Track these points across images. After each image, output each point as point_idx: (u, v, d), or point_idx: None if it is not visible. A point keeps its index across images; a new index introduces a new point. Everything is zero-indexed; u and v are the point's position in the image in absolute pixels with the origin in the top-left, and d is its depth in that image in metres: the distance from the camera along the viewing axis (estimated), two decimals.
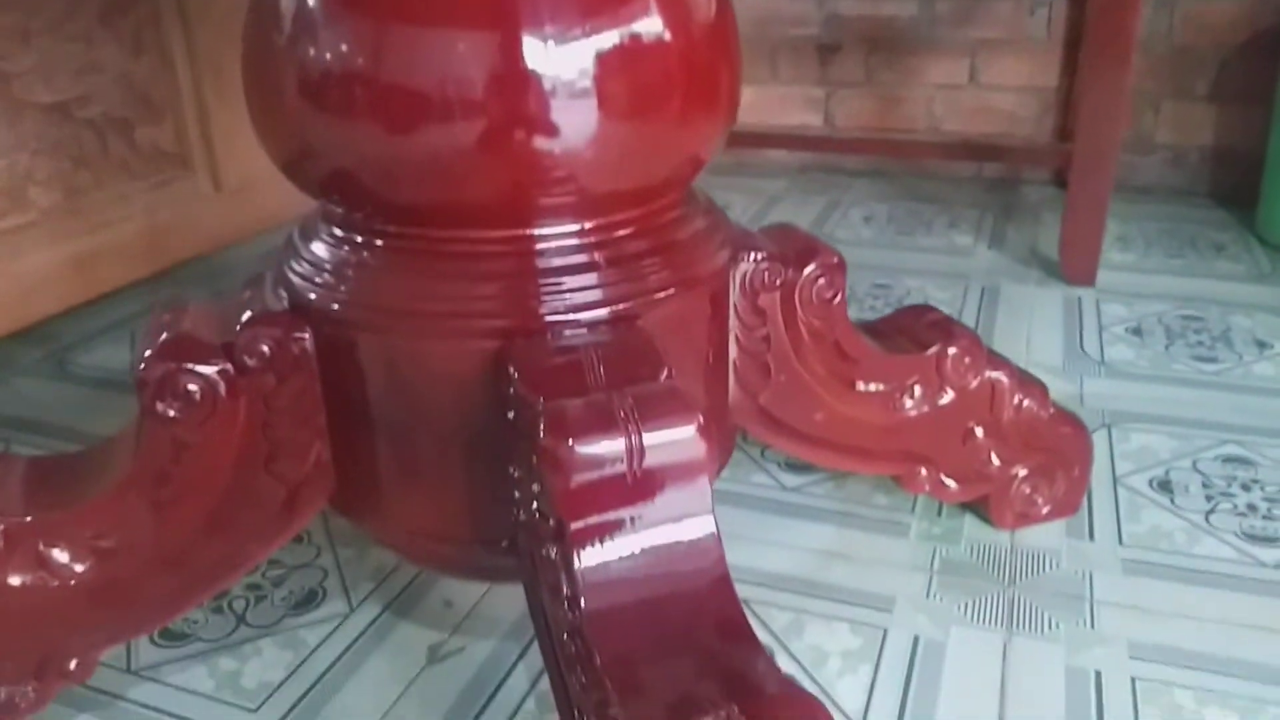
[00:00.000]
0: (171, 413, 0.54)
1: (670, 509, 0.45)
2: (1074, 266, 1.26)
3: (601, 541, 0.44)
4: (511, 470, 0.50)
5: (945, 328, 0.73)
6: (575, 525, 0.43)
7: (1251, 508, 0.81)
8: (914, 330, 0.74)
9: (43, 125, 0.99)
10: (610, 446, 0.44)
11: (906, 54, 1.72)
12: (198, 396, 0.54)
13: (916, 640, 0.67)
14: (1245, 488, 0.83)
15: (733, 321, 0.64)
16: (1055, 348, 1.10)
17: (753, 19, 1.78)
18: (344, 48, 0.50)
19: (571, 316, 0.52)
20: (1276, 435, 0.91)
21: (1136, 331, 1.13)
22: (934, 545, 0.77)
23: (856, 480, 0.85)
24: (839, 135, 1.79)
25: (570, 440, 0.44)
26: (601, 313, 0.52)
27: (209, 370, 0.55)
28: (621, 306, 0.53)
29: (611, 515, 0.44)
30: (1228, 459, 0.87)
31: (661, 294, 0.54)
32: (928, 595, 0.72)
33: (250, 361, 0.55)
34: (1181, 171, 1.63)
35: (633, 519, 0.44)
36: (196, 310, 0.59)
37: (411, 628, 0.71)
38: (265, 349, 0.55)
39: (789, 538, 0.79)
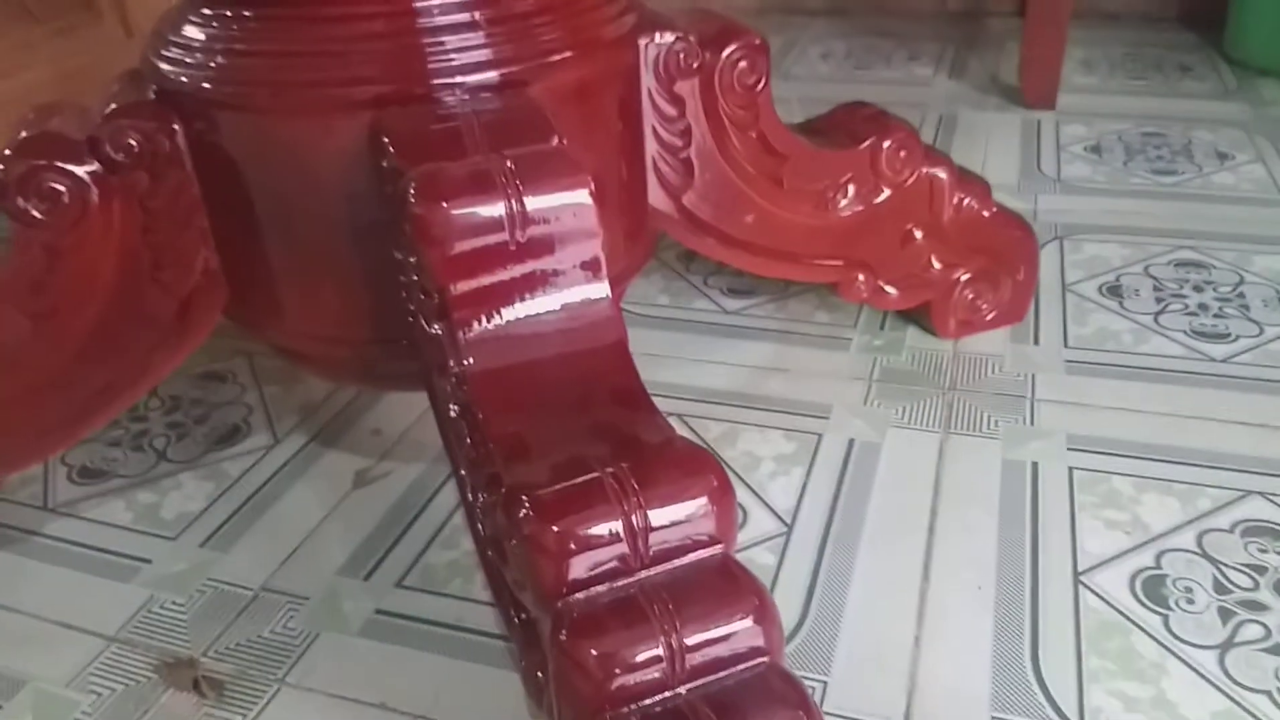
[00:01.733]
0: (37, 214, 0.51)
1: (559, 272, 0.42)
2: (1033, 89, 1.22)
3: (484, 308, 0.41)
4: (396, 254, 0.47)
5: (880, 121, 0.69)
6: (454, 290, 0.40)
7: (1203, 307, 0.78)
8: (849, 125, 0.70)
9: None
10: (489, 210, 0.41)
11: None
12: (66, 198, 0.51)
13: (851, 443, 0.66)
14: (1198, 289, 0.81)
15: (648, 110, 0.60)
16: (1011, 168, 1.06)
17: None
18: None
19: (453, 80, 0.48)
20: (1233, 240, 0.88)
21: (1095, 150, 1.09)
22: (875, 356, 0.75)
23: (799, 300, 0.82)
24: None
25: (444, 203, 0.41)
26: (487, 76, 0.48)
27: (75, 168, 0.51)
28: (509, 70, 0.49)
29: (493, 279, 0.41)
30: (1181, 263, 0.85)
31: (555, 57, 0.50)
32: (865, 402, 0.70)
33: (117, 156, 0.51)
34: None
35: (517, 284, 0.41)
36: (63, 111, 0.55)
37: (338, 456, 0.69)
38: (132, 143, 0.51)
39: (728, 356, 0.76)
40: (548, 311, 0.41)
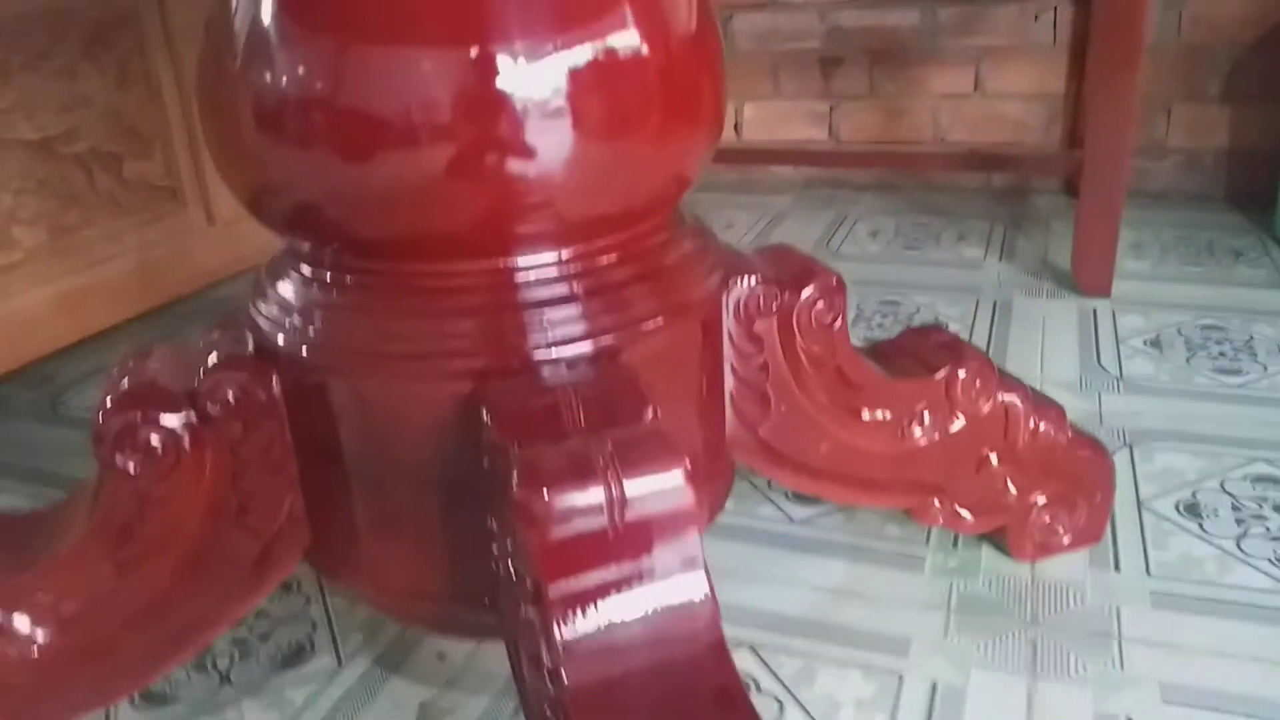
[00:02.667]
0: (132, 466, 0.51)
1: (657, 566, 0.41)
2: (1088, 277, 1.22)
3: (583, 607, 0.40)
4: (490, 522, 0.47)
5: (954, 349, 0.69)
6: (553, 588, 0.40)
7: None
8: (921, 352, 0.70)
9: (27, 163, 0.97)
10: (589, 497, 0.41)
11: (910, 65, 1.69)
12: (160, 449, 0.51)
13: (934, 686, 0.63)
14: (1278, 509, 0.79)
15: (727, 350, 0.61)
16: (1071, 363, 1.06)
17: (753, 34, 1.76)
18: (300, 70, 0.47)
19: (550, 353, 0.49)
20: None
21: (1155, 344, 1.09)
22: (950, 580, 0.73)
23: (867, 510, 0.81)
24: (844, 149, 1.75)
25: (545, 491, 0.41)
26: (583, 347, 0.49)
27: (172, 420, 0.52)
28: (604, 340, 0.50)
29: (593, 576, 0.40)
30: (1258, 479, 0.83)
31: (648, 324, 0.51)
32: (945, 635, 0.68)
33: (215, 409, 0.52)
34: (1196, 175, 1.59)
35: (616, 581, 0.41)
36: (161, 356, 0.56)
37: (402, 683, 0.67)
38: (230, 396, 0.52)
39: (798, 575, 0.75)
40: (647, 609, 0.41)
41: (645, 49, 0.49)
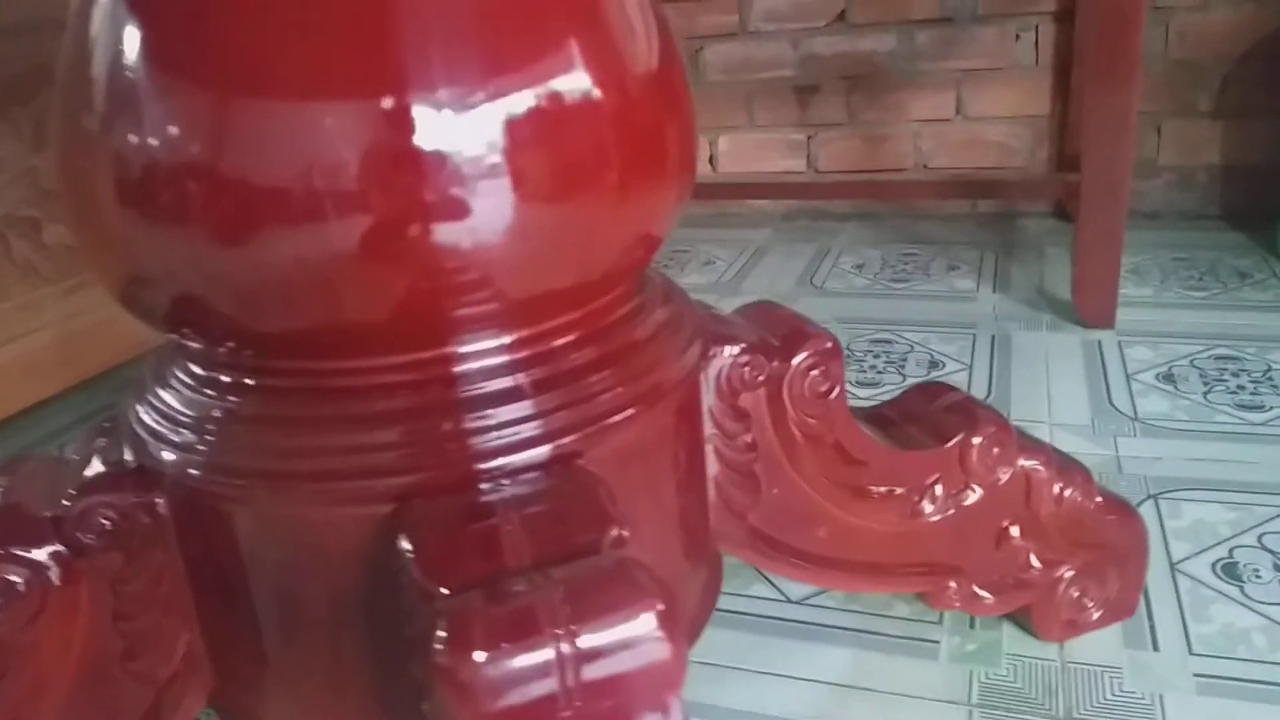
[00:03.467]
0: None
1: None
2: (1090, 308, 1.15)
3: None
4: (415, 678, 0.38)
5: (966, 411, 0.61)
6: None
7: None
8: (928, 417, 0.62)
9: None
10: (533, 658, 0.32)
11: (888, 90, 1.62)
12: (22, 588, 0.42)
13: None
14: None
15: (708, 429, 0.52)
16: (1080, 404, 0.98)
17: (724, 65, 1.69)
18: (172, 129, 0.38)
19: (494, 463, 0.40)
20: None
21: (1168, 378, 1.01)
22: (969, 668, 0.65)
23: None
24: (823, 179, 1.68)
25: (477, 654, 0.32)
26: (536, 453, 0.40)
27: (37, 554, 0.42)
28: (562, 442, 0.41)
29: None
30: None
31: (616, 418, 0.42)
32: None
33: (88, 539, 0.43)
34: (1190, 193, 1.52)
35: None
36: (31, 472, 0.47)
37: None
38: (106, 522, 0.43)
39: (800, 668, 0.66)
40: None
41: (597, 91, 0.41)
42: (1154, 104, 1.49)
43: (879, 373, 1.07)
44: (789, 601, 0.73)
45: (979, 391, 1.02)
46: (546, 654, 0.32)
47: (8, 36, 0.93)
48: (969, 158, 1.61)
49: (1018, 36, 1.54)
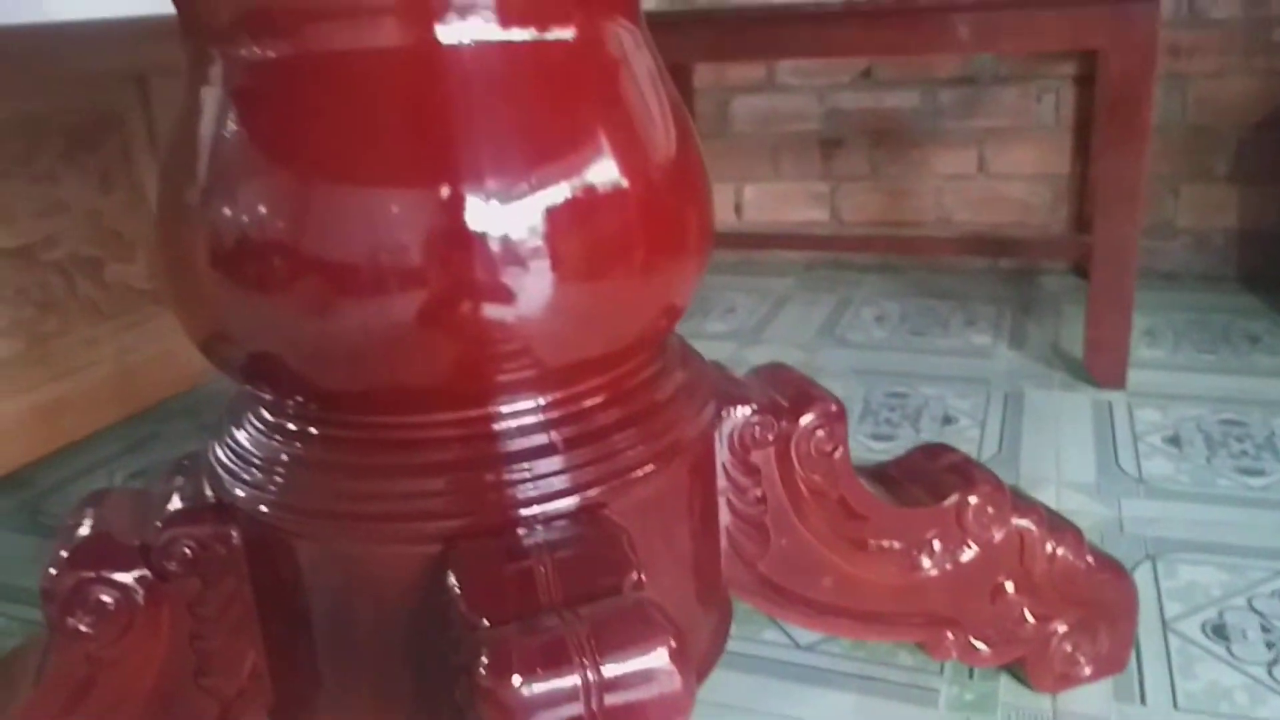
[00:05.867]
0: (83, 627, 0.48)
1: None
2: (1101, 368, 1.19)
3: None
4: (456, 697, 0.43)
5: (964, 472, 0.66)
6: None
7: None
8: (928, 476, 0.67)
9: (4, 271, 0.94)
10: (563, 683, 0.37)
11: (911, 146, 1.68)
12: (113, 608, 0.48)
13: None
14: None
15: (722, 483, 0.57)
16: (1088, 463, 1.02)
17: (752, 116, 1.75)
18: (261, 208, 0.44)
19: (529, 511, 0.45)
20: None
21: (1174, 441, 1.05)
22: (967, 716, 0.69)
23: None
24: (846, 230, 1.74)
25: (515, 678, 0.37)
26: (566, 503, 0.46)
27: (126, 578, 0.48)
28: (590, 493, 0.46)
29: None
30: None
31: (638, 472, 0.48)
32: None
33: (171, 566, 0.48)
34: (1206, 256, 1.56)
35: None
36: (116, 503, 0.53)
37: None
38: (188, 551, 0.48)
39: (805, 710, 0.70)
40: None
41: (625, 180, 0.47)
42: (1172, 167, 1.54)
43: (894, 426, 1.12)
44: (797, 647, 0.77)
45: (989, 448, 1.06)
46: (574, 680, 0.37)
47: (75, 88, 1.01)
48: (990, 213, 1.66)
49: (1039, 98, 1.59)
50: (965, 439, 1.08)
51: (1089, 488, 0.97)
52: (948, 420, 1.13)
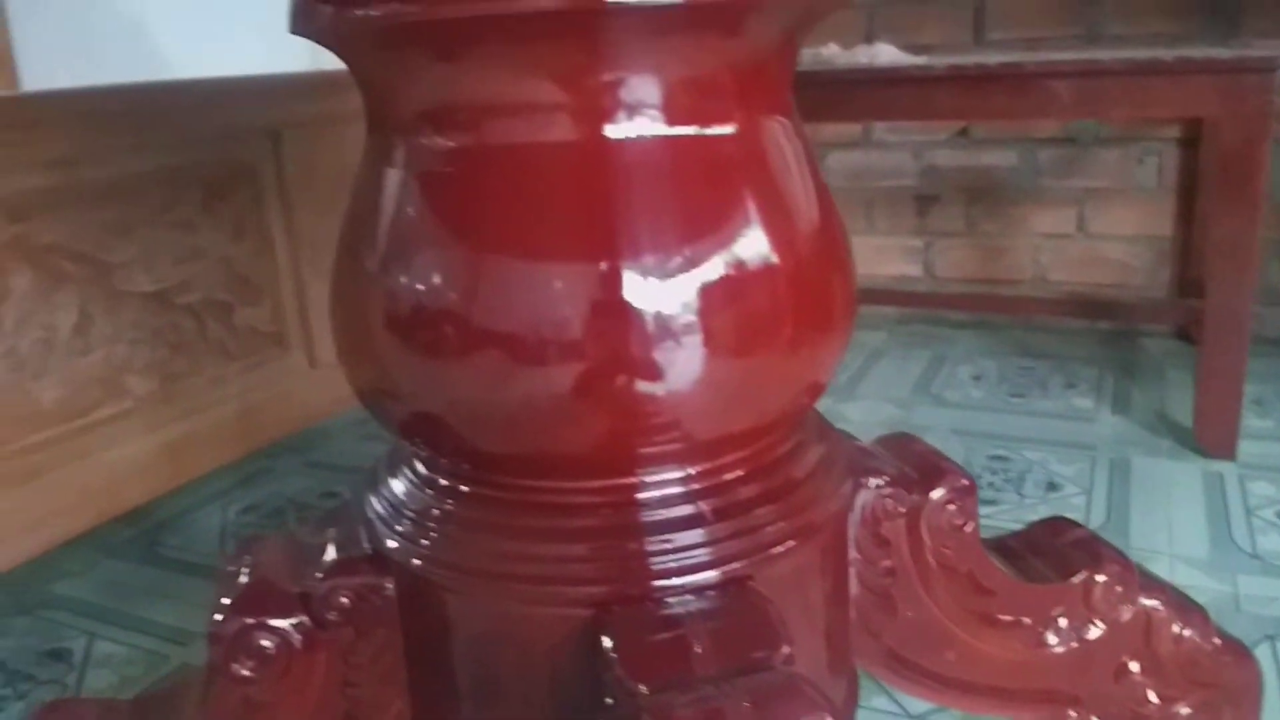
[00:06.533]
0: (245, 672, 0.50)
1: None
2: (1211, 438, 1.17)
3: None
4: None
5: (1091, 549, 0.65)
6: None
7: None
8: (1055, 551, 0.66)
9: (142, 314, 0.99)
10: None
11: (1009, 204, 1.67)
12: (273, 653, 0.50)
13: None
14: None
15: (852, 554, 0.58)
16: (1200, 538, 1.00)
17: (847, 171, 1.76)
18: (436, 280, 0.47)
19: (676, 581, 0.46)
20: None
21: None
22: None
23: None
24: (940, 287, 1.73)
25: None
26: (711, 575, 0.47)
27: (286, 624, 0.50)
28: (733, 566, 0.47)
29: None
30: None
31: (779, 548, 0.49)
32: None
33: (330, 615, 0.50)
34: None
35: None
36: (275, 549, 0.55)
37: None
38: (346, 600, 0.50)
39: None
40: None
41: (775, 260, 0.48)
42: (1277, 231, 1.51)
43: (997, 490, 1.11)
44: (908, 715, 0.77)
45: (1097, 517, 1.04)
46: None
47: (213, 143, 1.06)
48: (1088, 273, 1.64)
49: (1141, 159, 1.58)
50: (1071, 507, 1.07)
51: (1202, 563, 0.95)
52: (1052, 487, 1.12)
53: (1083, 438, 1.24)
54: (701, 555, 0.47)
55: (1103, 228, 1.62)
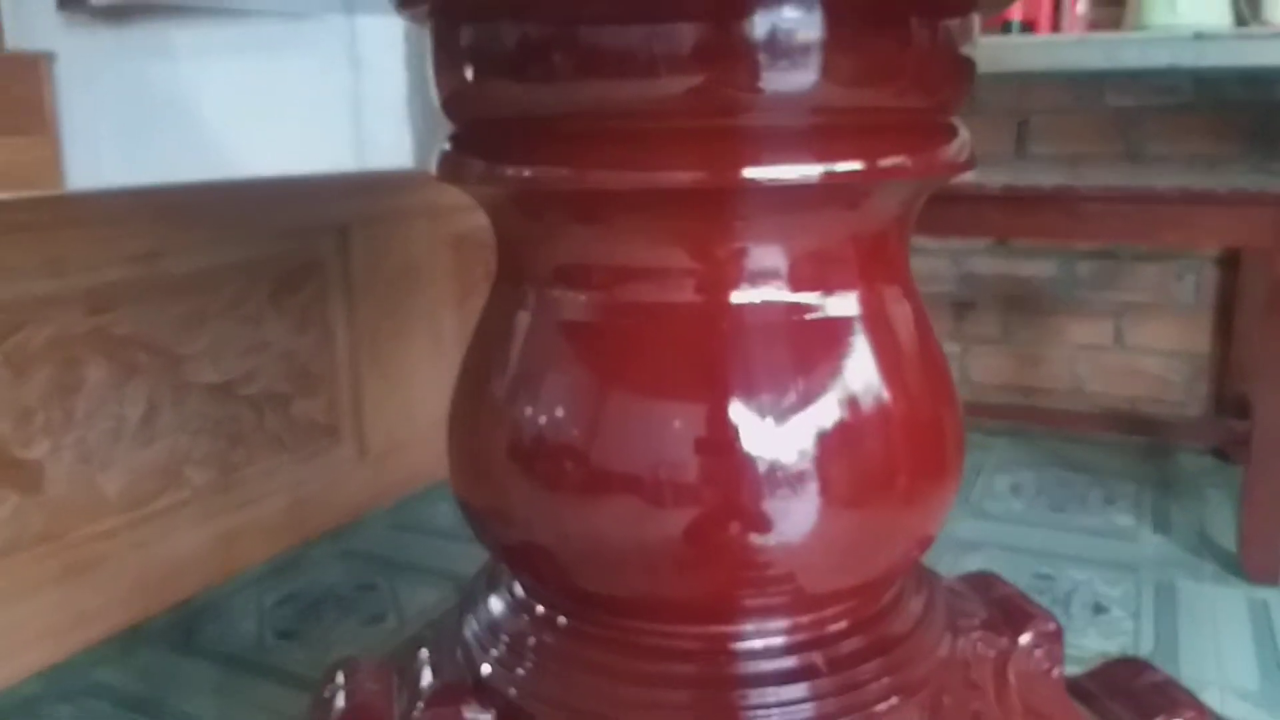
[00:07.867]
0: None
1: None
2: (1257, 565, 1.16)
3: None
4: None
5: (1168, 694, 0.65)
6: None
7: None
8: (1130, 694, 0.66)
9: (206, 405, 1.00)
10: None
11: (1046, 314, 1.69)
12: None
13: None
14: None
15: (945, 699, 0.58)
16: (1249, 667, 0.99)
17: None
18: (559, 414, 0.48)
19: None
20: None
21: None
22: None
23: None
24: (975, 393, 1.74)
25: None
26: None
27: None
28: None
29: None
30: None
31: (882, 706, 0.49)
32: None
33: None
34: None
35: None
36: (366, 674, 0.55)
37: None
38: None
39: None
40: None
41: (890, 415, 0.49)
42: None
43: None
44: None
45: (1146, 643, 1.04)
46: None
47: (283, 238, 1.09)
48: (1125, 386, 1.65)
49: (1180, 276, 1.60)
50: (1120, 631, 1.06)
51: (1254, 695, 0.94)
52: (1099, 609, 1.11)
53: (1126, 557, 1.24)
54: (800, 712, 0.47)
55: (1140, 341, 1.63)
